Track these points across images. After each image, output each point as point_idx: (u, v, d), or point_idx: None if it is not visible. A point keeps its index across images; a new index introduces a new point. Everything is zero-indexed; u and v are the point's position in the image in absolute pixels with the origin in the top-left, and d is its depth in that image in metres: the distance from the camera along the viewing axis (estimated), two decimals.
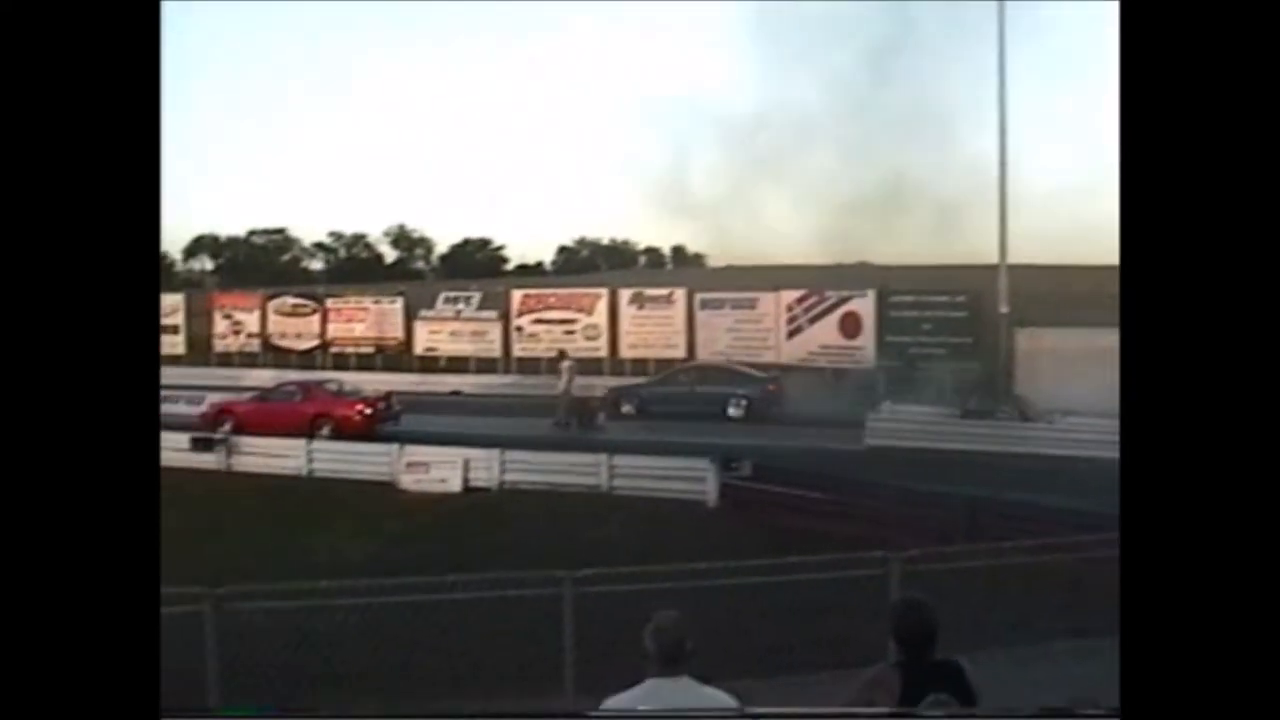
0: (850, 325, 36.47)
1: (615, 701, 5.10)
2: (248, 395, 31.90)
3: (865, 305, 36.44)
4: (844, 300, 37.06)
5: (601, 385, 34.44)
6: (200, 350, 47.97)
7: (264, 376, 38.89)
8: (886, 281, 38.45)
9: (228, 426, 27.72)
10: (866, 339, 36.08)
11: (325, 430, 27.46)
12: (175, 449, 25.49)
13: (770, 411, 31.04)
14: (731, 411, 31.26)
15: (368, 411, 28.93)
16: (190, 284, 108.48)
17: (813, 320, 37.25)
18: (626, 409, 32.38)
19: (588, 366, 35.58)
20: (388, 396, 30.69)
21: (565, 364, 31.12)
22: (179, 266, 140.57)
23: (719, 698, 5.05)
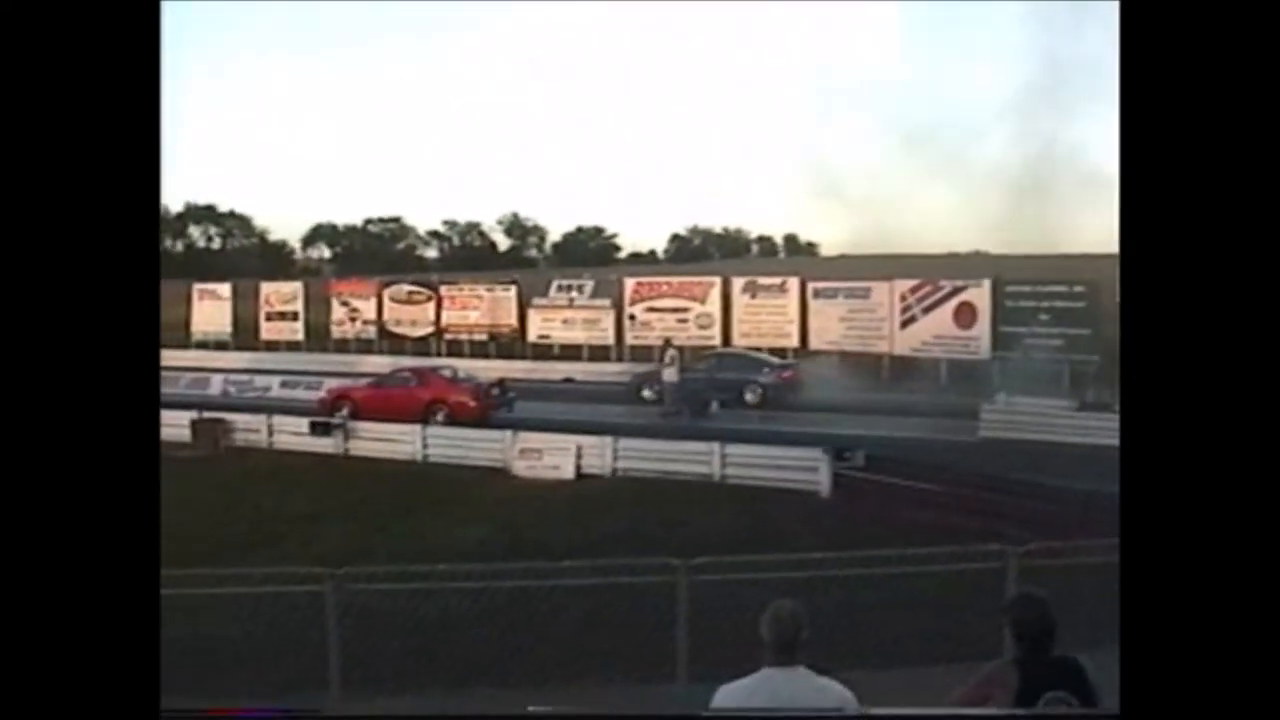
0: (965, 315, 35.88)
1: (728, 690, 5.11)
2: (364, 381, 32.37)
3: (981, 295, 35.85)
4: (959, 290, 36.45)
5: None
6: (318, 337, 48.80)
7: (379, 363, 39.48)
8: (1003, 271, 37.73)
9: (345, 411, 28.18)
10: (981, 329, 35.49)
11: (440, 416, 27.72)
12: (295, 433, 26.12)
13: (784, 398, 31.29)
14: (748, 397, 31.62)
15: (482, 398, 29.19)
16: (308, 272, 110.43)
17: (926, 310, 36.73)
18: (647, 394, 32.65)
19: (700, 355, 35.56)
20: (501, 383, 30.95)
21: (670, 353, 31.07)
22: (297, 255, 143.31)
23: (833, 688, 5.03)
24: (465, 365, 36.33)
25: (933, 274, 39.24)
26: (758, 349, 36.37)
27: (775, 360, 34.27)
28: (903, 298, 37.31)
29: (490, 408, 29.00)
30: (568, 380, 38.52)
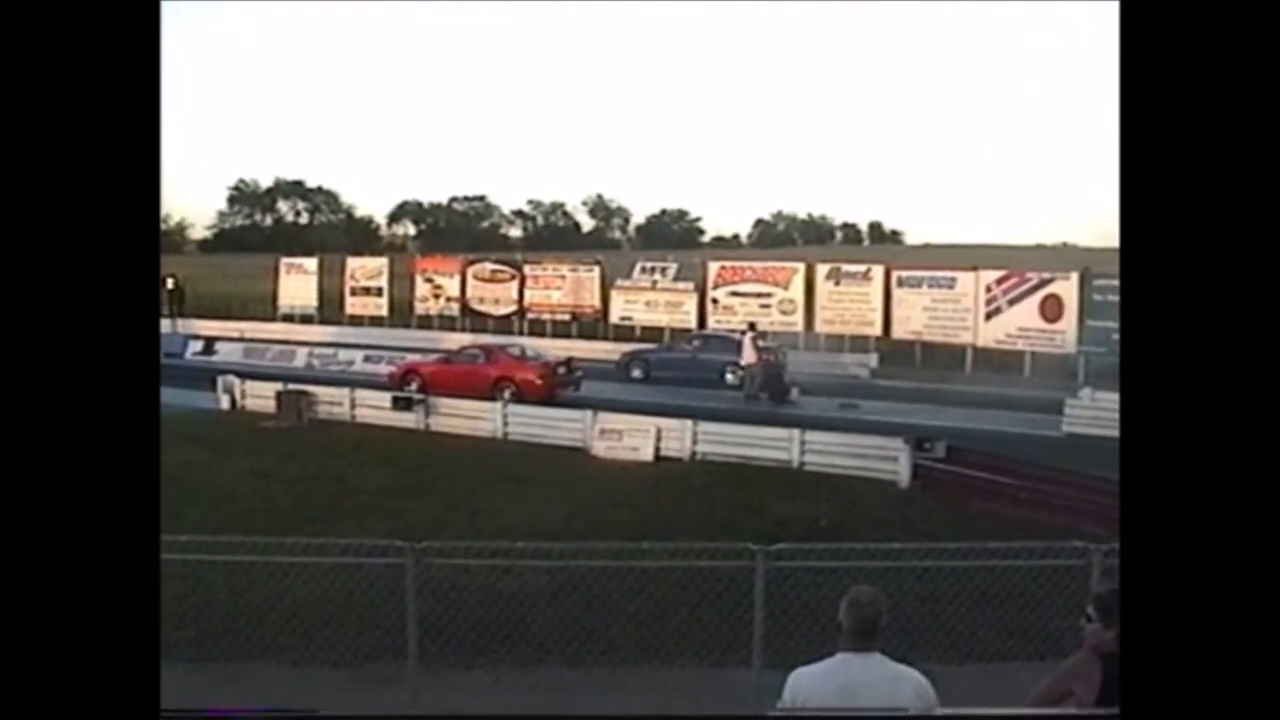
0: (1051, 308, 35.44)
1: (804, 672, 5.15)
2: (433, 357, 32.77)
3: (1068, 288, 35.36)
4: (1045, 282, 36.01)
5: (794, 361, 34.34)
6: (401, 313, 49.28)
7: (462, 340, 39.79)
8: (1091, 264, 37.21)
9: (413, 386, 28.72)
10: (1068, 323, 35.02)
11: (507, 393, 27.99)
12: (377, 407, 26.42)
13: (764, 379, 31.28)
14: (729, 378, 32.33)
15: (549, 376, 29.43)
16: (393, 248, 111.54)
17: (1012, 302, 36.32)
18: (636, 374, 33.94)
19: (782, 340, 35.57)
20: (569, 362, 31.14)
21: (748, 336, 31.02)
22: (383, 231, 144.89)
23: (909, 675, 5.06)
24: (546, 345, 36.76)
25: (1019, 265, 38.85)
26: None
27: (761, 343, 34.06)
28: (988, 289, 36.94)
29: (557, 386, 29.24)
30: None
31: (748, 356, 30.49)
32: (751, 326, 32.64)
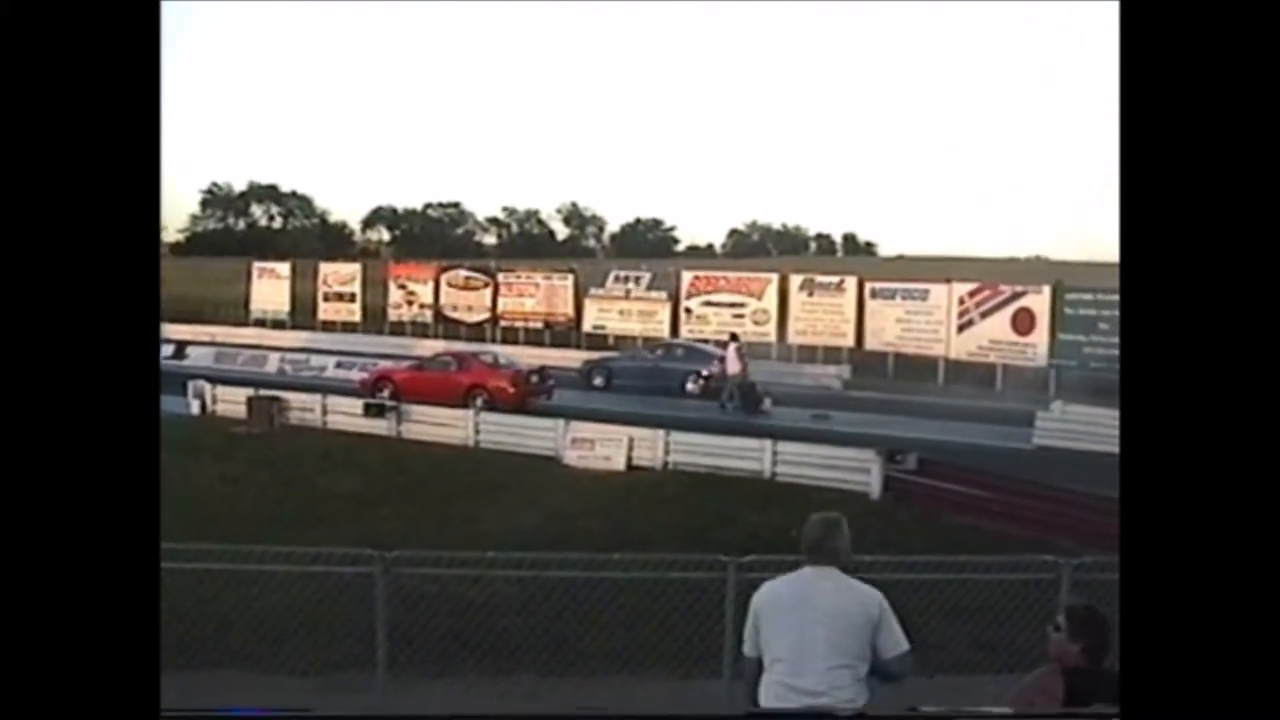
0: (1023, 321, 35.63)
1: (769, 584, 5.91)
2: (406, 364, 32.77)
3: (1040, 301, 35.55)
4: (1018, 295, 36.20)
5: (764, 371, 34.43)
6: (374, 319, 49.18)
7: (435, 347, 39.66)
8: (1063, 277, 37.38)
9: (385, 393, 28.66)
10: (1040, 336, 35.21)
11: (479, 401, 27.92)
12: (349, 414, 26.36)
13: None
14: (689, 387, 32.81)
15: (521, 385, 29.44)
16: (367, 254, 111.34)
17: (985, 315, 36.48)
18: (597, 381, 34.36)
19: (755, 351, 35.67)
20: (542, 370, 31.17)
21: (734, 346, 31.09)
22: (357, 236, 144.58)
23: (859, 588, 5.72)
24: (517, 353, 36.76)
25: (992, 278, 39.06)
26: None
27: (721, 353, 34.03)
28: (961, 301, 37.11)
29: (530, 394, 29.29)
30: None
31: (732, 367, 30.52)
32: (734, 337, 32.73)
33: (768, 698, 5.49)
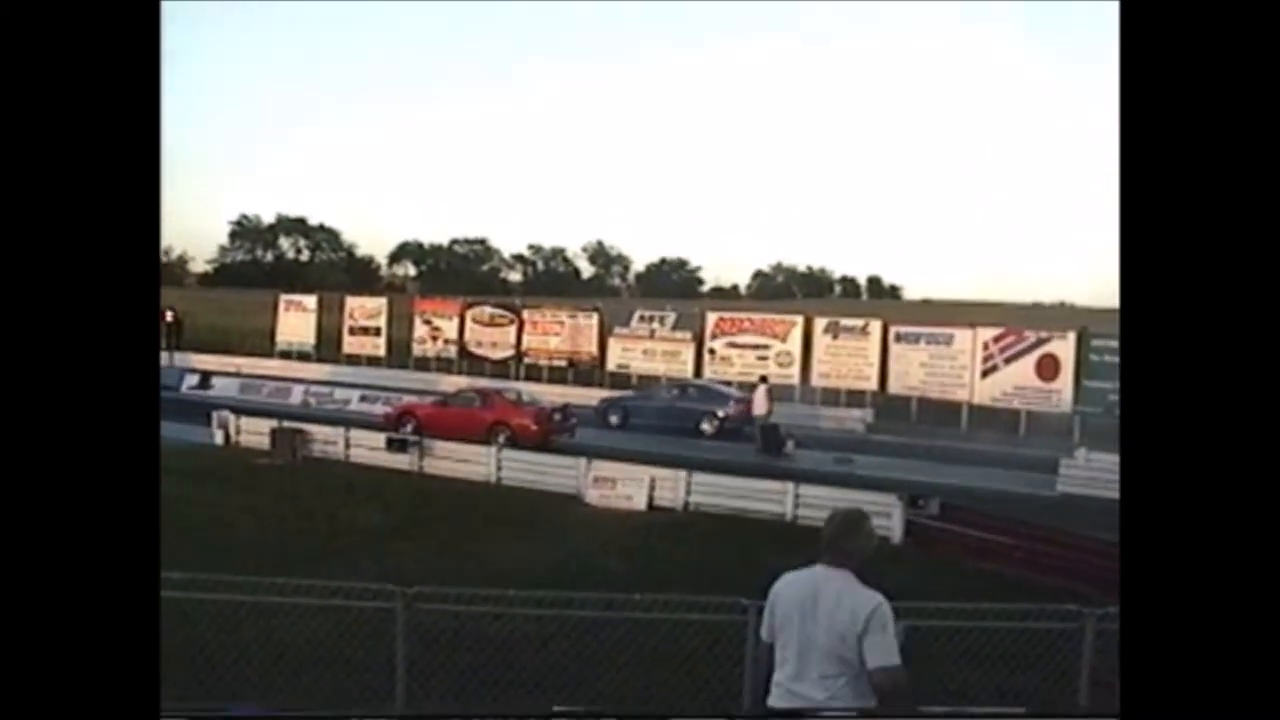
0: (1048, 367, 35.56)
1: (785, 577, 5.81)
2: (430, 399, 32.91)
3: (1065, 348, 35.49)
4: (1043, 341, 36.19)
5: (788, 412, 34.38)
6: (399, 353, 49.28)
7: (459, 382, 39.84)
8: (1088, 324, 37.28)
9: (409, 428, 28.78)
10: (1064, 382, 35.15)
11: (501, 437, 27.95)
12: (372, 447, 26.39)
13: (741, 429, 32.25)
14: (704, 427, 32.77)
15: (544, 422, 29.52)
16: (392, 288, 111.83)
17: (1009, 360, 36.45)
18: (613, 419, 34.31)
19: (778, 393, 35.67)
20: (564, 408, 31.23)
21: (763, 388, 31.06)
22: (383, 271, 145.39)
23: (859, 596, 5.45)
24: (541, 390, 36.80)
25: (1017, 323, 38.98)
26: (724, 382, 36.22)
27: (737, 393, 34.87)
28: (985, 346, 37.06)
29: (552, 432, 29.35)
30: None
31: (759, 408, 30.45)
32: (763, 379, 32.69)
33: (773, 697, 5.55)
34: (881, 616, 5.36)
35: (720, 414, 33.14)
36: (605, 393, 39.63)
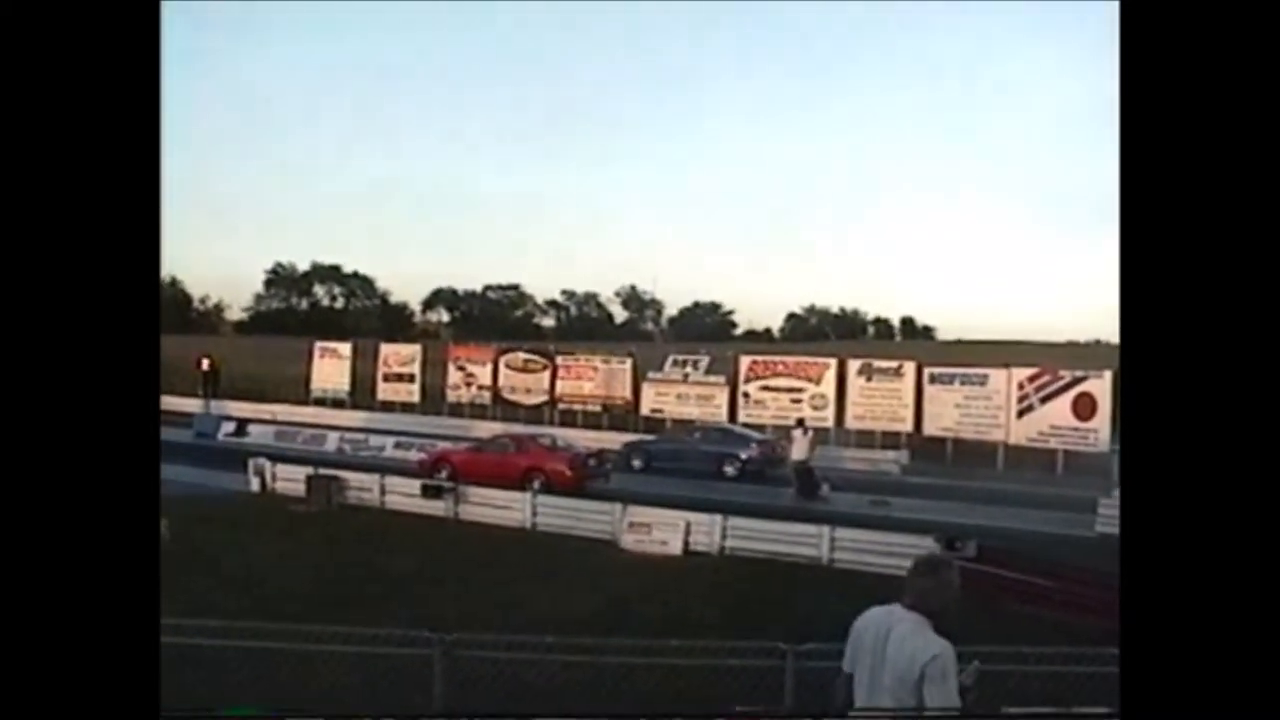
0: (1084, 406, 35.33)
1: (872, 611, 5.77)
2: (464, 445, 33.03)
3: (1101, 386, 35.26)
4: (1079, 380, 35.98)
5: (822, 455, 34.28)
6: (434, 400, 49.42)
7: (493, 428, 39.89)
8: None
9: (444, 474, 28.84)
10: (1101, 421, 34.88)
11: (536, 483, 28.00)
12: (407, 494, 26.45)
13: (763, 471, 32.65)
14: (727, 470, 32.95)
15: (579, 468, 29.56)
16: (426, 334, 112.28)
17: (1045, 400, 36.26)
18: (636, 464, 34.28)
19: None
20: (599, 454, 31.30)
21: (799, 431, 30.96)
22: (417, 317, 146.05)
23: (919, 645, 5.39)
24: (576, 436, 36.79)
25: (1052, 363, 38.81)
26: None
27: (758, 436, 35.20)
28: (1020, 386, 36.89)
29: (587, 477, 29.32)
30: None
31: (799, 452, 30.35)
32: (800, 423, 32.57)
33: None
34: (939, 666, 5.33)
35: (742, 456, 33.34)
36: (639, 438, 39.68)
